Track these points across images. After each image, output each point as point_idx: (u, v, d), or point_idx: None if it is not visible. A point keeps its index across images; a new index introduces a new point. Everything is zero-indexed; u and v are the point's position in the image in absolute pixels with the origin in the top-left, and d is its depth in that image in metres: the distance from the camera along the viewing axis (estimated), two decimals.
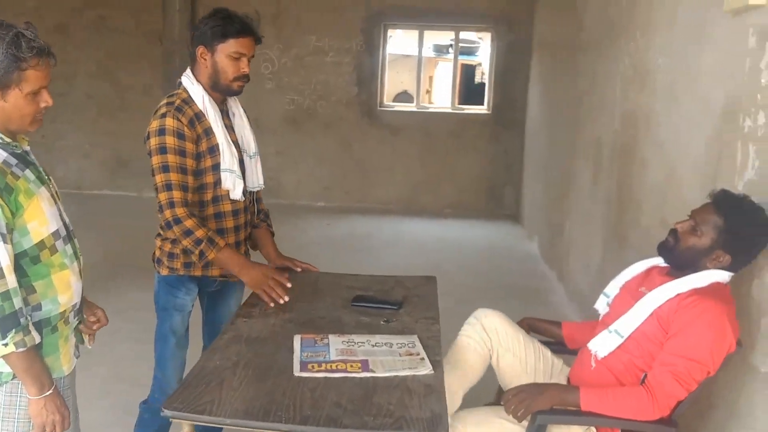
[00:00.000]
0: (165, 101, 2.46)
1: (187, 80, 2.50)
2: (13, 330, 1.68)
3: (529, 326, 2.54)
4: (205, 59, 2.45)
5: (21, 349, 1.70)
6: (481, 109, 8.71)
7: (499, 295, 5.22)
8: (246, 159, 2.64)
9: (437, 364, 2.04)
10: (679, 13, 3.15)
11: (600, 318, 2.42)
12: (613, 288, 2.43)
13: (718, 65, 2.67)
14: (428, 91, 14.08)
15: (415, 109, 8.76)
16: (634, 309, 2.12)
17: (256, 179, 2.69)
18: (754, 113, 2.34)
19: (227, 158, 2.49)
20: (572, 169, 5.27)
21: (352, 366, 2.01)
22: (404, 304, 2.54)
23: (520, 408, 2.08)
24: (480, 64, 12.94)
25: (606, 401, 2.04)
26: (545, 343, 2.53)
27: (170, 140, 2.38)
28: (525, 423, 2.09)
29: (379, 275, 2.96)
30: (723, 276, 2.10)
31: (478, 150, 8.39)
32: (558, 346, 2.56)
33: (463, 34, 9.30)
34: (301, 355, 2.06)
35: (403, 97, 12.34)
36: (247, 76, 2.50)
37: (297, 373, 1.95)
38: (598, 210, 4.44)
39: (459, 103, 8.93)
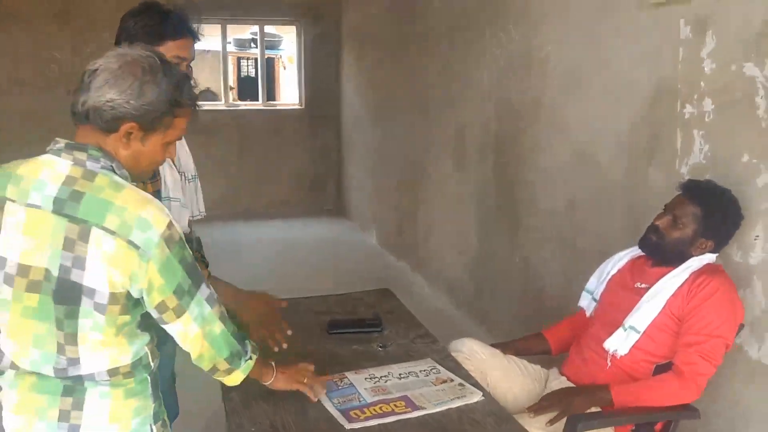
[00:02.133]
0: None
1: None
2: None
3: (515, 352, 2.46)
4: None
5: None
6: (295, 104, 8.51)
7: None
8: (184, 183, 2.28)
9: (479, 387, 1.92)
10: (571, 3, 3.25)
11: (590, 315, 2.43)
12: (596, 284, 2.45)
13: (641, 54, 2.78)
14: (232, 89, 13.57)
15: (225, 108, 8.33)
16: (647, 303, 2.14)
17: (197, 206, 2.34)
18: (697, 100, 2.47)
19: (170, 183, 2.12)
20: (426, 157, 5.31)
21: (397, 406, 1.82)
22: (383, 323, 2.36)
23: (556, 410, 2.05)
24: (280, 57, 12.69)
25: (639, 394, 2.07)
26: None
27: None
28: None
29: (330, 294, 2.74)
30: (711, 258, 2.20)
31: (297, 145, 8.19)
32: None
33: (266, 28, 8.99)
34: (334, 404, 1.82)
35: (207, 95, 11.68)
36: None
37: (348, 426, 1.72)
38: (470, 196, 4.51)
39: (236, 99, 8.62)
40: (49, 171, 1.43)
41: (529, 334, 2.56)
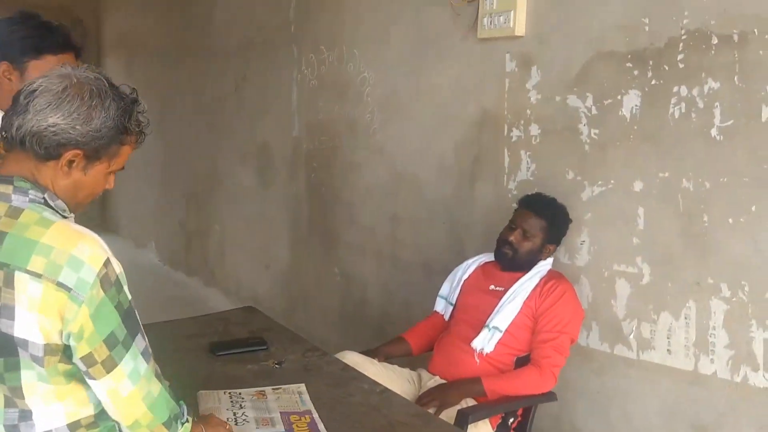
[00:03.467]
0: None
1: None
2: None
3: (386, 356, 2.62)
4: (10, 79, 1.89)
5: None
6: None
7: (159, 314, 4.93)
8: None
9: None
10: (392, 32, 3.51)
11: (448, 317, 2.68)
12: (449, 290, 2.71)
13: (467, 83, 3.11)
14: None
15: None
16: (507, 305, 2.44)
17: None
18: (524, 125, 2.85)
19: None
20: (221, 172, 5.27)
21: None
22: (266, 340, 2.40)
23: (435, 406, 2.25)
24: None
25: (506, 385, 2.36)
26: None
27: None
28: None
29: (197, 315, 2.68)
30: (550, 261, 2.58)
31: None
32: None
33: None
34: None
35: None
36: None
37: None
38: (279, 212, 4.59)
39: None
40: None
41: (391, 339, 2.74)
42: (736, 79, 2.18)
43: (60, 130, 1.28)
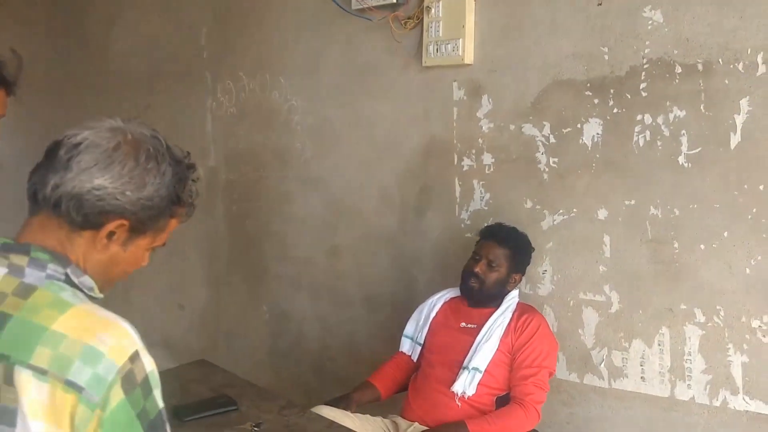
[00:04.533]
0: None
1: None
2: None
3: (357, 403, 2.47)
4: None
5: None
6: None
7: None
8: None
9: None
10: (322, 60, 3.37)
11: (416, 358, 2.56)
12: (414, 329, 2.59)
13: (410, 112, 3.02)
14: None
15: None
16: (484, 344, 2.35)
17: None
18: (476, 154, 2.80)
19: None
20: None
21: None
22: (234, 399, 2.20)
23: None
24: None
25: (493, 427, 2.26)
26: None
27: None
28: None
29: None
30: (516, 293, 2.52)
31: None
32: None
33: None
34: None
35: None
36: None
37: None
38: (193, 247, 4.31)
39: None
40: None
41: (358, 385, 2.59)
42: (702, 107, 2.22)
43: (106, 194, 1.07)
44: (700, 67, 2.21)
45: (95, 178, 1.06)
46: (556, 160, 2.57)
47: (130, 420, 1.00)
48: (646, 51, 2.32)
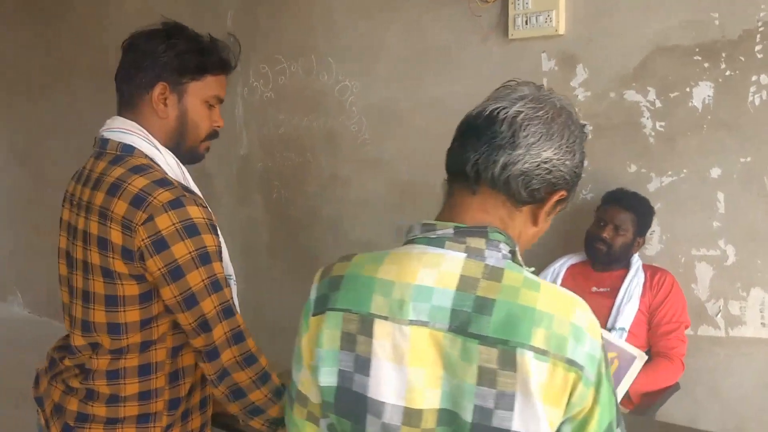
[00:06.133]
0: (141, 179, 1.42)
1: (143, 140, 1.52)
2: None
3: None
4: (165, 105, 1.54)
5: None
6: None
7: None
8: None
9: None
10: (377, 41, 3.34)
11: None
12: None
13: (490, 87, 3.04)
14: None
15: None
16: (625, 305, 2.45)
17: None
18: None
19: (227, 260, 1.64)
20: None
21: None
22: None
23: None
24: None
25: (646, 381, 2.36)
26: None
27: (209, 240, 1.44)
28: None
29: None
30: (638, 254, 2.62)
31: None
32: None
33: None
34: None
35: None
36: (218, 133, 1.68)
37: None
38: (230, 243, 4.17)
39: None
40: (430, 271, 1.01)
41: None
42: None
43: (553, 167, 1.04)
44: None
45: (543, 151, 1.04)
46: (663, 123, 2.67)
47: (610, 396, 1.02)
48: (762, 14, 2.44)
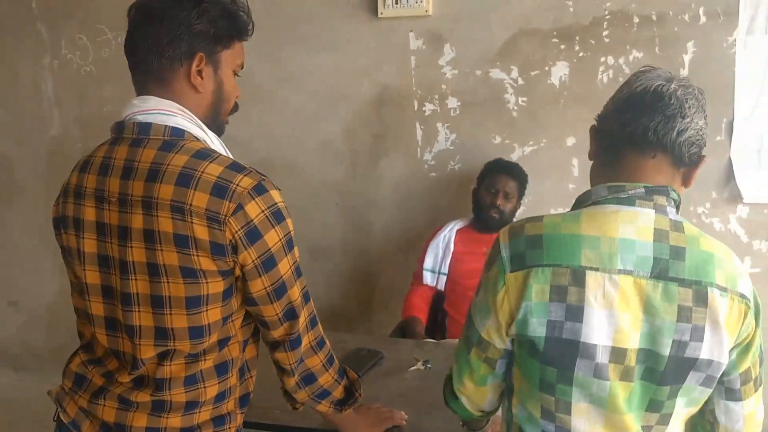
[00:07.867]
0: (213, 166, 1.29)
1: (188, 121, 1.37)
2: None
3: (421, 338, 2.62)
4: (202, 77, 1.40)
5: None
6: None
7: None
8: None
9: None
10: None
11: (442, 287, 2.81)
12: (433, 262, 2.82)
13: (358, 64, 3.11)
14: None
15: None
16: None
17: None
18: (440, 99, 3.06)
19: None
20: None
21: None
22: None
23: None
24: None
25: None
26: None
27: (291, 224, 1.38)
28: None
29: None
30: None
31: None
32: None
33: None
34: None
35: None
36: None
37: None
38: (26, 237, 3.70)
39: None
40: (629, 226, 1.17)
41: (408, 321, 2.73)
42: (656, 49, 2.84)
43: (705, 133, 1.23)
44: (654, 17, 2.82)
45: (699, 120, 1.22)
46: (524, 99, 2.98)
47: (760, 324, 1.21)
48: (607, 5, 2.85)
